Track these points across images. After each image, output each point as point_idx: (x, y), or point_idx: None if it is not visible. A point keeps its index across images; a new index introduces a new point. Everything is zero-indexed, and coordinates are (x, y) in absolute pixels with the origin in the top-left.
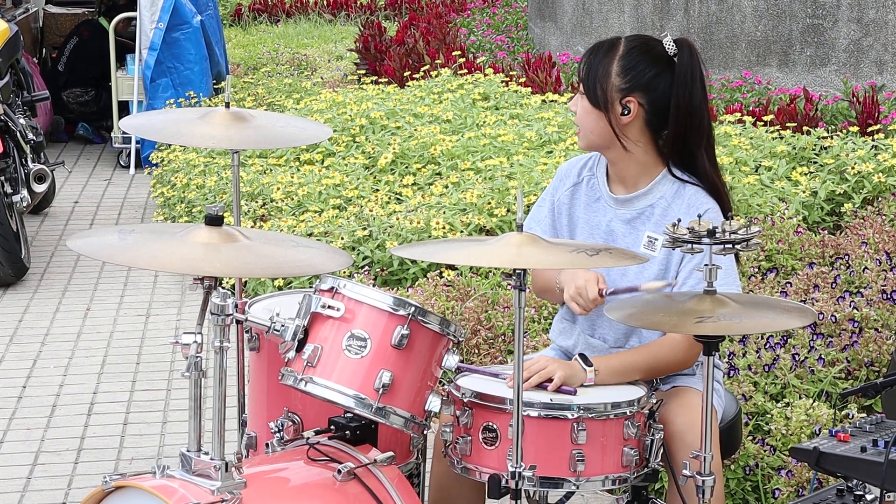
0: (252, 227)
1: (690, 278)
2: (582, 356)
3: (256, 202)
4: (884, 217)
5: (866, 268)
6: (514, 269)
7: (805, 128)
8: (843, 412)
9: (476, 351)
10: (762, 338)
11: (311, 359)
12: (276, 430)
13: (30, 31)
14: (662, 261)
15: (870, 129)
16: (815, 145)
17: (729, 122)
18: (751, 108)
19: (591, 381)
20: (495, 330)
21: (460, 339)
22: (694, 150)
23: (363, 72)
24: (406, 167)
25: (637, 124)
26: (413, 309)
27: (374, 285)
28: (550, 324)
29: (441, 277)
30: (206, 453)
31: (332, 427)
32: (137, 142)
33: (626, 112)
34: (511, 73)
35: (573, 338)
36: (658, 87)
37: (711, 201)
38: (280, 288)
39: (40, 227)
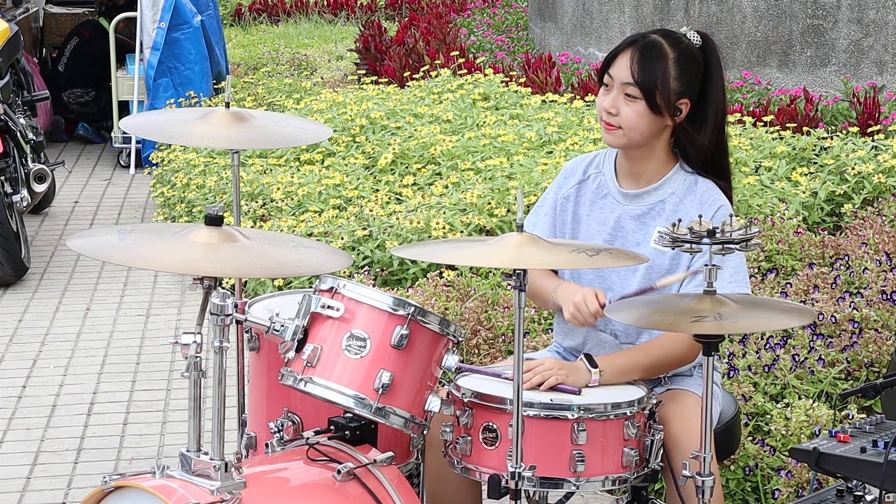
0: (252, 227)
1: (697, 278)
2: (588, 357)
3: (256, 202)
4: (884, 218)
5: (866, 268)
6: (514, 269)
7: (805, 128)
8: (843, 413)
9: (476, 351)
10: (762, 338)
11: (310, 359)
12: (276, 430)
13: (30, 31)
14: (673, 257)
15: (870, 129)
16: (815, 146)
17: (729, 122)
18: (751, 109)
19: (596, 382)
20: (495, 330)
21: (460, 339)
22: (724, 137)
23: (363, 72)
24: (406, 167)
25: (680, 122)
26: (413, 309)
27: (374, 285)
28: (551, 324)
29: (441, 277)
30: (206, 453)
31: (332, 427)
32: (138, 142)
33: (678, 113)
34: (511, 73)
35: (581, 336)
36: (700, 86)
37: (723, 198)
38: (280, 288)
39: (40, 227)
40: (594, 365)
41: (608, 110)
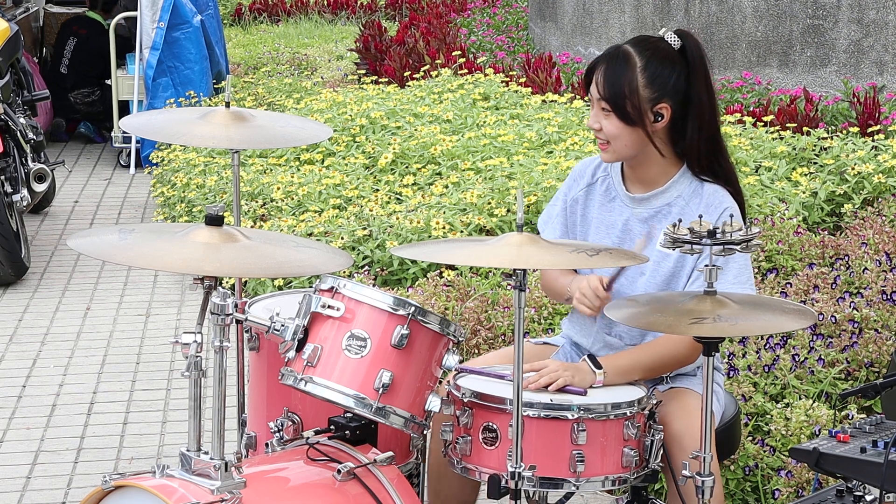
0: (252, 227)
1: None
2: (591, 357)
3: (256, 202)
4: (884, 218)
5: (866, 268)
6: (514, 269)
7: (805, 128)
8: (843, 413)
9: (476, 351)
10: (762, 338)
11: (311, 359)
12: (276, 429)
13: (30, 30)
14: (678, 259)
15: (870, 129)
16: (815, 146)
17: (729, 122)
18: (751, 109)
19: (601, 382)
20: (495, 330)
21: (460, 339)
22: (717, 137)
23: (363, 72)
24: (406, 167)
25: (664, 126)
26: (413, 309)
27: (374, 285)
28: (551, 324)
29: (441, 277)
30: (206, 453)
31: (332, 427)
32: (137, 141)
33: (658, 119)
34: (511, 73)
35: (591, 335)
36: (681, 87)
37: (730, 200)
38: (280, 288)
39: (40, 227)
40: (598, 366)
41: (592, 127)
